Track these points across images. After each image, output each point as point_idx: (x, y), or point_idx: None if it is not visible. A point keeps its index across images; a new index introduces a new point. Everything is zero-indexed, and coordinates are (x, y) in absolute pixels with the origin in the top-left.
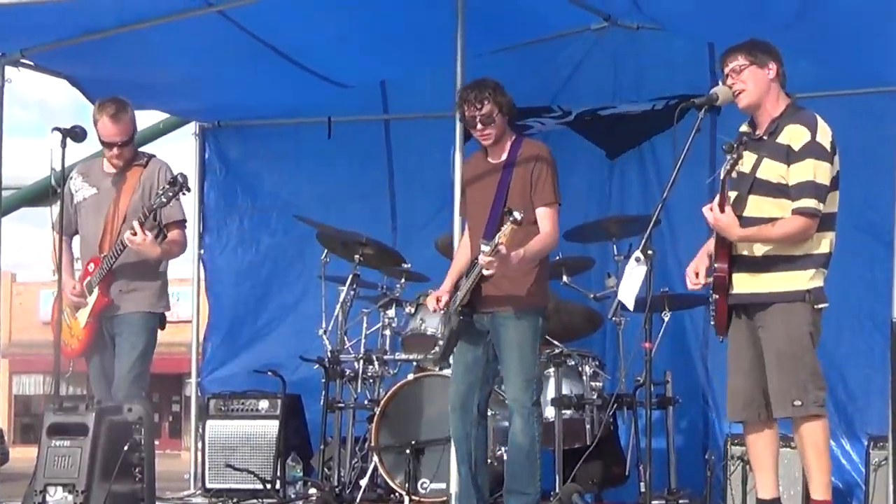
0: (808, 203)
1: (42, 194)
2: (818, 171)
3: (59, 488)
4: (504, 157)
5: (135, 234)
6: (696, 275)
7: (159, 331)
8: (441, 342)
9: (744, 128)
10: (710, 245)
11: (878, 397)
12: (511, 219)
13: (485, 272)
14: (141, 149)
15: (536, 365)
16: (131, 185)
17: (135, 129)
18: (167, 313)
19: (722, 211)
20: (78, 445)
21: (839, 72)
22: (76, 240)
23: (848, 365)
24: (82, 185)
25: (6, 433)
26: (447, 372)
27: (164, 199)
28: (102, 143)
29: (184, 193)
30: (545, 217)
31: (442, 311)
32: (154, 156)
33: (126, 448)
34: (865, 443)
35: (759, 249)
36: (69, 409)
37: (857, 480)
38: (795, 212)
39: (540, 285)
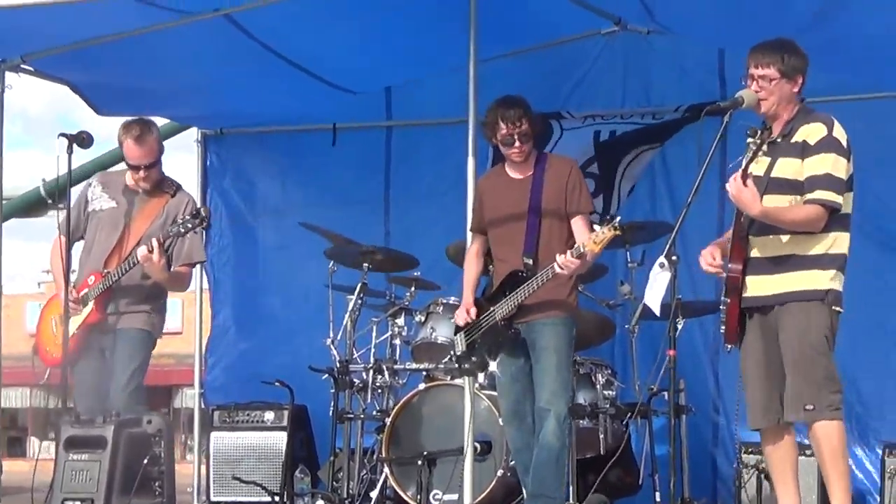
0: (823, 195)
1: (31, 206)
2: (836, 165)
3: (77, 503)
4: (531, 171)
5: (151, 251)
6: (713, 257)
7: None
8: (475, 357)
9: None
10: (727, 236)
11: (891, 405)
12: (612, 225)
13: (560, 271)
14: None
15: (571, 371)
16: (154, 210)
17: (161, 151)
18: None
19: (745, 185)
20: (96, 459)
21: (850, 77)
22: (77, 247)
23: (860, 373)
24: (101, 194)
25: None
26: (459, 381)
27: (182, 230)
28: (128, 165)
29: (203, 228)
30: (587, 226)
31: (461, 323)
32: (182, 186)
33: (146, 461)
34: (880, 451)
35: (779, 249)
36: (86, 422)
37: (871, 489)
38: (810, 202)
39: (574, 293)
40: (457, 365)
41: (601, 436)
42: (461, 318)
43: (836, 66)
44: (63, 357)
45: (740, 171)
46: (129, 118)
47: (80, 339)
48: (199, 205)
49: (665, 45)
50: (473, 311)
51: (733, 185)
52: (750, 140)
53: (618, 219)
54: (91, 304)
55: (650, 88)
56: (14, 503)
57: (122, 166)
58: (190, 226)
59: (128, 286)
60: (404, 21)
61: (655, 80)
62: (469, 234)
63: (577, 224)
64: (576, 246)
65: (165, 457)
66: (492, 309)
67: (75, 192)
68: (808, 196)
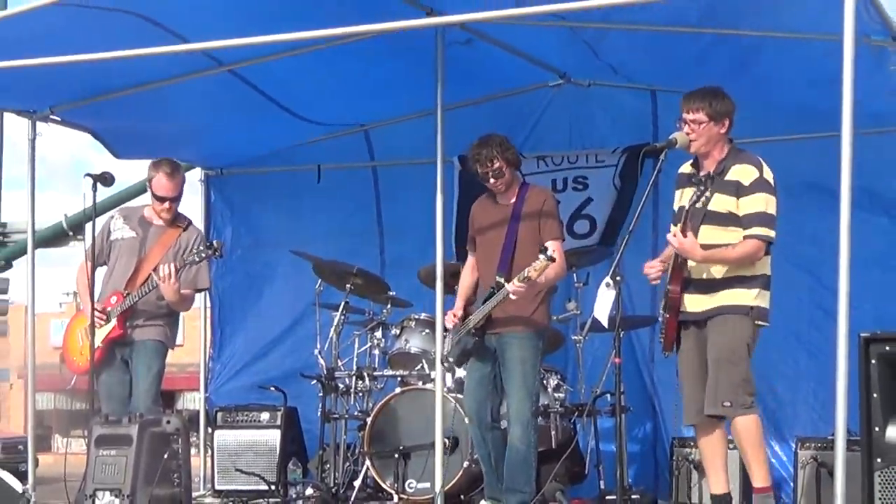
0: (760, 231)
1: (52, 238)
2: (769, 204)
3: (107, 493)
4: (513, 200)
5: (169, 275)
6: (654, 267)
7: None
8: (451, 358)
9: (686, 168)
10: (664, 255)
11: (803, 404)
12: (546, 256)
13: (512, 297)
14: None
15: (536, 380)
16: (169, 240)
17: (183, 189)
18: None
19: (685, 236)
20: (123, 455)
21: (767, 119)
22: (100, 270)
23: (776, 377)
24: (122, 226)
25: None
26: (430, 386)
27: (197, 259)
28: (156, 197)
29: (216, 257)
30: (554, 250)
31: (452, 329)
32: (192, 222)
33: (166, 456)
34: (793, 444)
35: (713, 273)
36: (114, 422)
37: (786, 477)
38: (749, 237)
39: (542, 310)
40: (443, 364)
41: (552, 432)
42: (448, 321)
43: (758, 109)
44: (90, 364)
45: (680, 224)
46: (160, 158)
47: (104, 352)
48: (206, 238)
49: (604, 95)
50: (460, 314)
51: (674, 239)
52: (690, 191)
53: (551, 251)
54: (114, 321)
55: (593, 132)
56: (48, 492)
57: (140, 201)
58: (205, 255)
59: (147, 306)
60: (380, 71)
61: (597, 125)
62: (438, 259)
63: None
64: (522, 272)
65: (183, 452)
66: (468, 319)
67: (98, 223)
68: (747, 232)
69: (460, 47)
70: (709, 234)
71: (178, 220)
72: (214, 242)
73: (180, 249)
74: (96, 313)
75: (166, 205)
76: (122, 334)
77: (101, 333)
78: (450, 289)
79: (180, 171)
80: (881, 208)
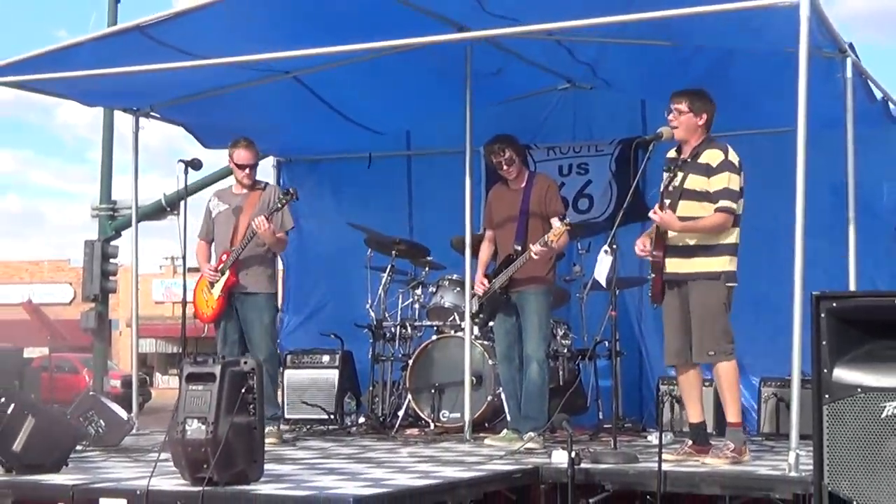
0: (725, 203)
1: (152, 212)
2: (731, 181)
3: (195, 420)
4: (523, 185)
5: (264, 224)
6: (644, 245)
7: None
8: (483, 314)
9: (671, 154)
10: (650, 231)
11: (761, 354)
12: (564, 223)
13: (535, 257)
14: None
15: (549, 327)
16: (254, 202)
17: (258, 159)
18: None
19: (663, 212)
20: (208, 389)
21: (738, 116)
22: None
23: (740, 329)
24: (218, 203)
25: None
26: (460, 334)
27: (280, 205)
28: (238, 166)
29: (295, 200)
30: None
31: (480, 293)
32: (268, 182)
33: (243, 391)
34: (756, 382)
35: (688, 241)
36: (202, 363)
37: (748, 409)
38: (718, 210)
39: (552, 272)
40: (471, 319)
41: (560, 372)
42: (479, 287)
43: (731, 108)
44: (183, 314)
45: (658, 203)
46: (236, 137)
47: (225, 301)
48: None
49: (603, 97)
50: (486, 281)
51: (655, 216)
52: (665, 174)
53: (567, 219)
54: (228, 273)
55: (593, 127)
56: (151, 420)
57: (225, 182)
58: (286, 200)
59: (249, 257)
60: (418, 82)
61: (596, 121)
62: (467, 231)
63: (554, 221)
64: (542, 238)
65: (257, 387)
66: (493, 281)
67: (190, 201)
68: (717, 206)
69: (486, 56)
70: (687, 208)
71: (256, 185)
72: (290, 189)
73: (265, 204)
74: (211, 273)
75: (247, 171)
76: (236, 281)
77: (219, 285)
78: (476, 253)
79: (254, 144)
80: (829, 188)
